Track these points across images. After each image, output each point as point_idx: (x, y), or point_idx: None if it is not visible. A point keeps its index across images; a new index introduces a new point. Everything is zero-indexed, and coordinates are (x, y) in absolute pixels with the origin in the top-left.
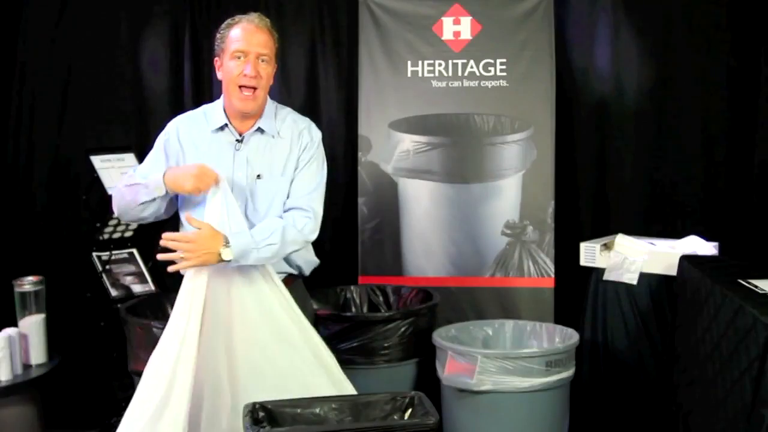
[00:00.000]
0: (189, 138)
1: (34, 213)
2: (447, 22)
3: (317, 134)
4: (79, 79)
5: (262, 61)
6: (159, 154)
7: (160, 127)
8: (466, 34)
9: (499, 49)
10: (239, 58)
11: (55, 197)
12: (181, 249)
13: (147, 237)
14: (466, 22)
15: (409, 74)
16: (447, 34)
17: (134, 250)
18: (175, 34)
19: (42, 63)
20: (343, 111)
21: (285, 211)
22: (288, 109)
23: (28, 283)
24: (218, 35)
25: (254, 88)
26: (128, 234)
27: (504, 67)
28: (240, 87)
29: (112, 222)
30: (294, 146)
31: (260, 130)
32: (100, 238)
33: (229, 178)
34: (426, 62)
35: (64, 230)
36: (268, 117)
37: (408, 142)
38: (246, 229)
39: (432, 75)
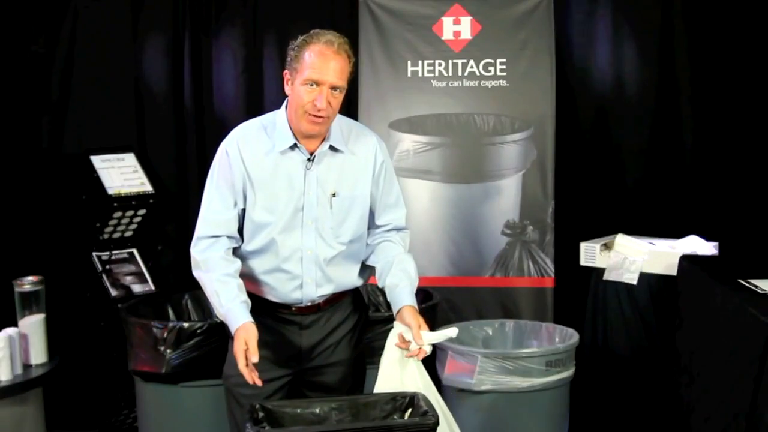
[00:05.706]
0: (253, 160)
1: (34, 213)
2: (447, 22)
3: (385, 147)
4: (79, 79)
5: (335, 90)
6: (224, 187)
7: (161, 127)
8: (466, 34)
9: (499, 49)
10: (311, 85)
11: (55, 197)
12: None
13: (147, 237)
14: (466, 22)
15: (409, 74)
16: (447, 34)
17: (134, 250)
18: (176, 33)
19: (42, 62)
20: (343, 111)
21: (378, 231)
22: (345, 120)
23: (28, 283)
24: (292, 51)
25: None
26: (128, 234)
27: (504, 66)
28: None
29: (112, 222)
30: (369, 163)
31: (332, 148)
32: (100, 238)
33: (299, 199)
34: (426, 62)
35: (64, 230)
36: (336, 134)
37: (408, 142)
38: (413, 284)
39: (432, 75)
